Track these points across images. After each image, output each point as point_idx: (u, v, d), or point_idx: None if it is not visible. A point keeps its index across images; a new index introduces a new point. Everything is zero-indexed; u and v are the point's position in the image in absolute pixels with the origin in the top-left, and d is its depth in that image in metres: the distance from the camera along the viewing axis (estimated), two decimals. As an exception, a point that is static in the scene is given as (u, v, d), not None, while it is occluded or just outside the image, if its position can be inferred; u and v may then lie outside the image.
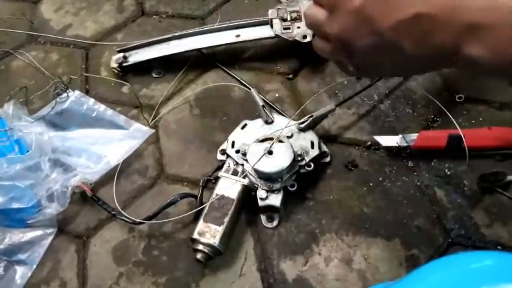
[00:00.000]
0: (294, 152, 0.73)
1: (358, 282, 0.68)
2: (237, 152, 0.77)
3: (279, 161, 0.71)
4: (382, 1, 0.35)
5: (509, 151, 0.76)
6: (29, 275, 0.75)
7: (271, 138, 0.74)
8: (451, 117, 0.78)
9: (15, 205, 0.75)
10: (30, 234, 0.78)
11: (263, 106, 0.81)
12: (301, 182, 0.75)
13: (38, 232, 0.78)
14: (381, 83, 0.89)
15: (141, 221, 0.73)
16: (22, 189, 0.76)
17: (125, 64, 0.97)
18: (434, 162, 0.78)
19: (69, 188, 0.78)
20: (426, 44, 0.35)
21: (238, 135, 0.79)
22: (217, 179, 0.76)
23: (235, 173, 0.75)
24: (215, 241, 0.68)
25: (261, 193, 0.72)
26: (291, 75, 0.94)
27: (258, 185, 0.73)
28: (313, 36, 0.67)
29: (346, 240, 0.72)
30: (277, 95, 0.92)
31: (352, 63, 0.42)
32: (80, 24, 1.12)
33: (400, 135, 0.78)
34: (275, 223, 0.75)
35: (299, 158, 0.74)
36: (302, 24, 0.91)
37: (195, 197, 0.75)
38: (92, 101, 0.91)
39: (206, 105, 0.92)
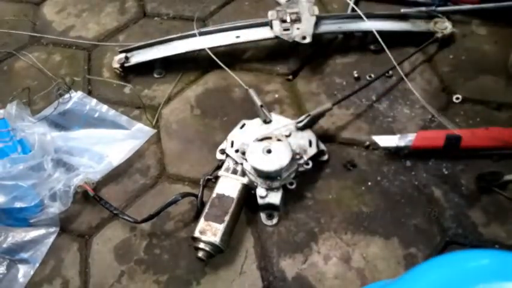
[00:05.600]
0: (292, 150, 0.74)
1: (357, 280, 0.69)
2: (237, 151, 0.78)
3: (278, 159, 0.72)
4: None
5: (507, 151, 0.77)
6: (32, 273, 0.76)
7: (270, 137, 0.75)
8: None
9: (18, 204, 0.76)
10: (33, 233, 0.79)
11: (261, 106, 0.82)
12: (300, 180, 0.76)
13: (41, 231, 0.79)
14: (378, 83, 0.90)
15: (143, 219, 0.74)
16: (25, 189, 0.77)
17: (126, 64, 0.98)
18: (431, 162, 0.79)
19: (72, 187, 0.79)
20: None
21: (237, 135, 0.80)
22: (217, 178, 0.77)
23: (234, 172, 0.76)
24: (216, 239, 0.69)
25: (260, 191, 0.73)
26: (290, 76, 0.96)
27: (257, 183, 0.74)
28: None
29: (345, 239, 0.73)
30: (276, 95, 0.93)
31: None
32: (82, 26, 1.14)
33: (398, 135, 0.79)
34: (275, 221, 0.76)
35: (297, 157, 0.75)
36: (301, 25, 0.92)
37: (196, 196, 0.76)
38: (94, 101, 0.92)
39: (207, 105, 0.93)
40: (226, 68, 0.92)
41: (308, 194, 0.78)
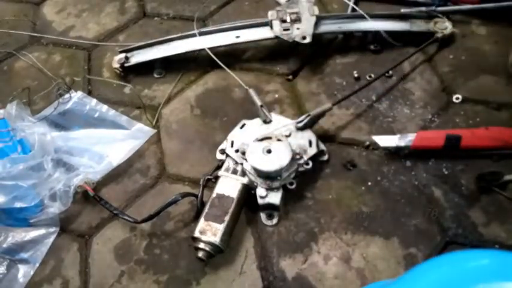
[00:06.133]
0: (292, 150, 0.74)
1: (357, 280, 0.69)
2: (237, 151, 0.78)
3: (278, 159, 0.72)
4: None
5: (507, 151, 0.77)
6: (32, 273, 0.76)
7: (270, 137, 0.75)
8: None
9: (18, 204, 0.77)
10: (33, 233, 0.79)
11: (261, 106, 0.82)
12: (300, 180, 0.76)
13: (41, 231, 0.79)
14: (378, 83, 0.90)
15: (143, 219, 0.74)
16: (25, 189, 0.77)
17: (126, 64, 0.98)
18: (431, 162, 0.79)
19: (72, 187, 0.79)
20: None
21: (237, 135, 0.80)
22: (217, 178, 0.77)
23: (234, 172, 0.76)
24: (216, 239, 0.69)
25: (260, 191, 0.73)
26: (290, 76, 0.96)
27: (257, 183, 0.74)
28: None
29: (345, 239, 0.73)
30: (276, 95, 0.93)
31: None
32: (82, 26, 1.14)
33: (398, 135, 0.79)
34: (275, 221, 0.76)
35: (297, 157, 0.75)
36: (301, 25, 0.92)
37: (196, 196, 0.76)
38: (94, 101, 0.92)
39: (207, 105, 0.93)
40: (227, 68, 0.92)
41: (308, 194, 0.78)
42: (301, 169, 0.75)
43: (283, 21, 0.93)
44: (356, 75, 0.92)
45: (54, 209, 0.78)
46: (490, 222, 0.72)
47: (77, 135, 0.90)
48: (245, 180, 0.75)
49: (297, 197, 0.78)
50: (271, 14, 0.93)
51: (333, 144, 0.84)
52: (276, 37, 0.92)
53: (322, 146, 0.81)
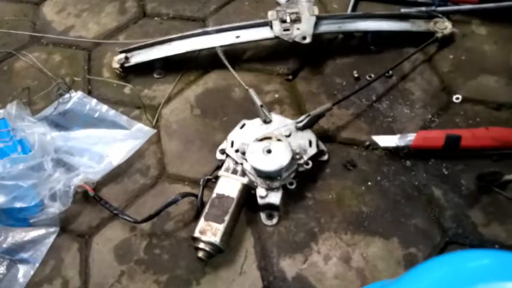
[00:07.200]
0: (292, 150, 0.74)
1: (357, 280, 0.69)
2: (237, 151, 0.78)
3: (278, 159, 0.72)
4: None
5: (507, 151, 0.77)
6: (32, 273, 0.76)
7: (270, 137, 0.75)
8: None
9: (18, 204, 0.77)
10: (33, 233, 0.79)
11: (261, 106, 0.82)
12: (300, 180, 0.76)
13: (41, 231, 0.79)
14: (378, 83, 0.90)
15: (143, 219, 0.74)
16: (25, 189, 0.77)
17: (126, 65, 0.98)
18: (431, 162, 0.79)
19: (72, 187, 0.79)
20: None
21: (237, 135, 0.80)
22: (217, 178, 0.77)
23: (234, 172, 0.76)
24: (216, 239, 0.69)
25: (260, 191, 0.73)
26: (290, 76, 0.96)
27: (257, 183, 0.74)
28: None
29: (345, 239, 0.73)
30: (276, 95, 0.93)
31: None
32: (82, 26, 1.13)
33: (398, 135, 0.79)
34: (275, 221, 0.76)
35: (297, 157, 0.75)
36: (301, 25, 0.92)
37: (196, 196, 0.76)
38: (94, 101, 0.92)
39: (207, 105, 0.93)
40: (230, 68, 0.92)
41: (308, 194, 0.78)
42: (301, 169, 0.75)
43: (283, 21, 0.93)
44: (356, 75, 0.92)
45: (54, 209, 0.78)
46: (490, 222, 0.72)
47: (77, 135, 0.90)
48: (245, 180, 0.75)
49: (297, 197, 0.78)
50: (271, 14, 0.93)
51: (333, 144, 0.84)
52: (276, 37, 0.92)
53: (322, 146, 0.81)
